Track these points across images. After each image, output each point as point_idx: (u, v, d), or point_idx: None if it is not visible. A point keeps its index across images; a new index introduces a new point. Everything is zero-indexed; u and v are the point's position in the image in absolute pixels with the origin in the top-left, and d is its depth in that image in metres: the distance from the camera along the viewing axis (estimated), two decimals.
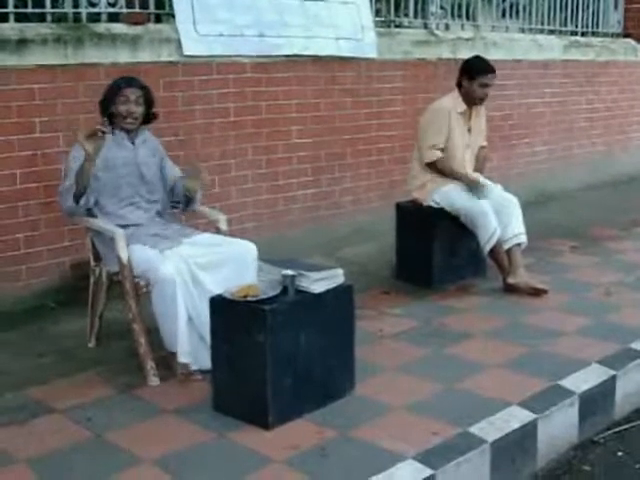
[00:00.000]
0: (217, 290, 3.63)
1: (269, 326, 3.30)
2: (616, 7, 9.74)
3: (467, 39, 7.47)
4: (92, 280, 4.33)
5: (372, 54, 6.58)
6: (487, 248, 5.24)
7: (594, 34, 9.39)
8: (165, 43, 5.33)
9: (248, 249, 4.00)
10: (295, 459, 3.13)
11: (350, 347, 3.71)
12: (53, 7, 5.05)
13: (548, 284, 5.27)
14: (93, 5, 5.19)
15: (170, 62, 5.34)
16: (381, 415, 3.51)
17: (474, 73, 5.35)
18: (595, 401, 3.83)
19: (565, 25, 8.99)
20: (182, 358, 3.85)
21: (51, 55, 4.82)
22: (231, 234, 4.36)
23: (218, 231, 4.34)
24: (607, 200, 8.43)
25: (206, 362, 3.72)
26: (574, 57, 8.78)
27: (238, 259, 3.95)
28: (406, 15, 7.21)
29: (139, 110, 4.17)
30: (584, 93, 9.00)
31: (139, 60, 5.14)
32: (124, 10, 5.30)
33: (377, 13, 6.97)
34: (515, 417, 3.48)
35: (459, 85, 5.45)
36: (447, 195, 5.36)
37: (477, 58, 5.53)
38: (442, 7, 7.54)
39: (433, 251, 5.41)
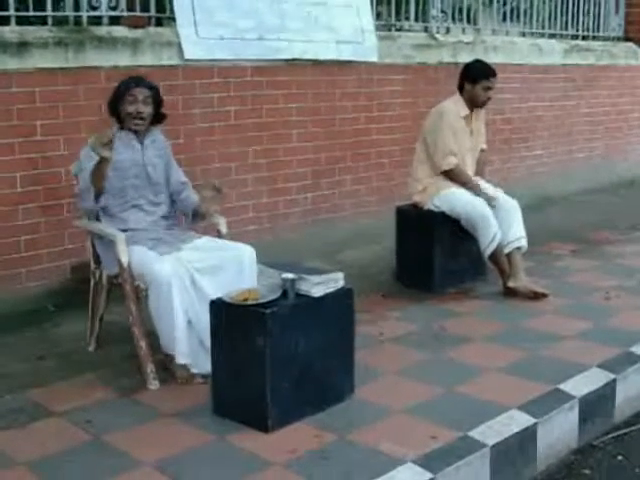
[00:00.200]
0: (216, 295, 3.61)
1: (269, 329, 3.30)
2: (617, 11, 9.75)
3: (468, 43, 7.48)
4: (92, 283, 4.33)
5: (373, 58, 6.59)
6: (488, 252, 5.24)
7: (595, 38, 9.40)
8: (166, 46, 5.34)
9: (247, 253, 3.99)
10: (294, 462, 3.13)
11: (350, 350, 3.70)
12: (54, 10, 5.07)
13: (548, 288, 5.27)
14: (94, 8, 5.20)
15: (171, 65, 5.35)
16: (381, 418, 3.50)
17: (476, 77, 5.36)
18: (595, 405, 3.82)
19: (566, 29, 9.00)
20: (180, 359, 3.84)
21: (52, 58, 4.83)
22: (231, 237, 4.36)
23: (218, 234, 4.34)
24: (607, 204, 8.44)
25: (206, 366, 3.72)
26: (575, 61, 8.79)
27: (237, 263, 3.95)
28: (407, 19, 7.22)
29: (147, 110, 4.14)
30: (584, 97, 9.01)
31: (140, 63, 5.15)
32: (125, 13, 5.31)
33: (378, 17, 6.99)
34: (515, 421, 3.47)
35: (461, 89, 5.46)
36: (447, 199, 5.36)
37: (478, 62, 5.55)
38: (443, 11, 7.54)
39: (433, 255, 5.40)
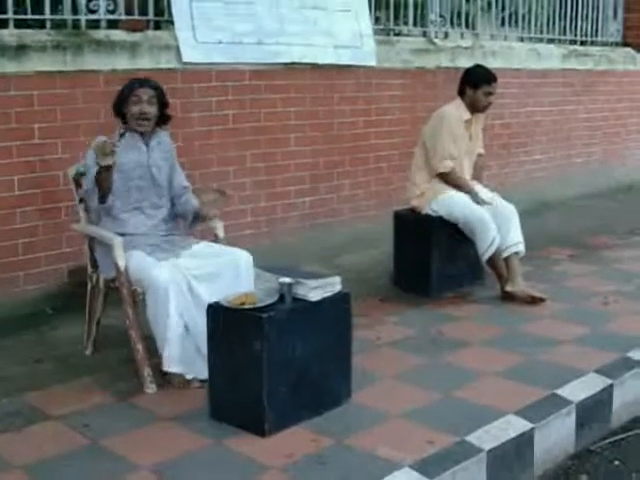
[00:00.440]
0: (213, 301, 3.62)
1: (266, 334, 3.30)
2: (615, 16, 9.75)
3: (466, 48, 7.49)
4: (89, 287, 4.33)
5: (371, 62, 6.59)
6: (486, 256, 5.24)
7: (593, 43, 9.41)
8: (164, 50, 5.34)
9: (243, 258, 3.99)
10: (291, 467, 3.13)
11: (347, 355, 3.70)
12: (52, 13, 5.06)
13: (546, 292, 5.27)
14: (92, 12, 5.20)
15: (169, 69, 5.35)
16: (378, 423, 3.50)
17: (478, 82, 5.36)
18: (592, 410, 3.82)
19: (564, 34, 9.00)
20: (171, 367, 3.82)
21: (50, 62, 4.83)
22: (229, 241, 4.36)
23: (215, 238, 4.34)
24: (605, 209, 8.44)
25: (203, 372, 3.72)
26: (573, 66, 8.79)
27: (233, 267, 3.94)
28: (405, 23, 7.22)
29: (152, 110, 4.13)
30: (583, 102, 9.01)
31: (138, 67, 5.14)
32: (123, 17, 5.31)
33: (376, 21, 6.98)
34: (512, 426, 3.47)
35: (461, 93, 5.46)
36: (445, 203, 5.36)
37: (479, 67, 5.55)
38: (441, 15, 7.54)
39: (431, 259, 5.40)
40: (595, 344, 4.46)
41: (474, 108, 5.45)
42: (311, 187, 6.36)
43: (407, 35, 7.20)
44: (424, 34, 7.34)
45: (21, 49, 4.71)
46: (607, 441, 3.85)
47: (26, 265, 4.87)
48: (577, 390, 3.85)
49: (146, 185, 4.18)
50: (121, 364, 4.14)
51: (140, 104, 4.09)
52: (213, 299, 3.61)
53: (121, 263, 3.93)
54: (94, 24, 5.23)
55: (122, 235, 4.04)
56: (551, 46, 8.67)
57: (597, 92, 9.20)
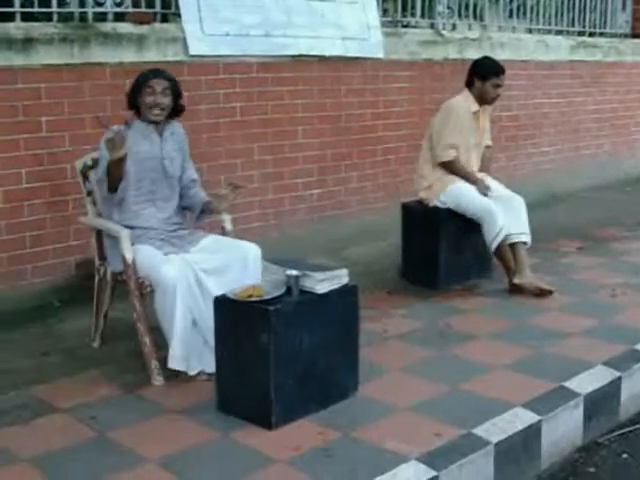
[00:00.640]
0: None
1: (273, 326, 3.30)
2: (624, 7, 9.71)
3: (474, 39, 7.46)
4: (97, 279, 4.33)
5: (379, 54, 6.58)
6: (493, 245, 5.22)
7: (602, 34, 9.38)
8: (171, 43, 5.34)
9: (252, 250, 3.99)
10: (298, 460, 3.13)
11: (354, 347, 3.70)
12: (59, 6, 5.06)
13: (554, 285, 5.26)
14: (99, 5, 5.20)
15: (176, 62, 5.33)
16: (385, 416, 3.50)
17: (486, 74, 5.35)
18: (600, 403, 3.81)
19: (572, 25, 8.97)
20: (170, 363, 3.81)
21: (57, 54, 4.83)
22: (237, 234, 4.36)
23: (223, 231, 4.34)
24: (613, 201, 8.42)
25: (210, 365, 3.73)
26: (581, 57, 8.76)
27: (241, 260, 3.95)
28: (413, 15, 7.21)
29: (165, 101, 4.10)
30: (591, 94, 8.98)
31: (145, 60, 5.13)
32: (130, 9, 5.31)
33: (384, 13, 6.98)
34: (519, 418, 3.47)
35: (469, 85, 5.45)
36: (454, 194, 5.35)
37: (488, 59, 5.53)
38: (449, 7, 7.53)
39: (439, 252, 5.39)
40: (603, 336, 4.45)
41: (482, 100, 5.44)
42: (319, 179, 6.36)
43: (415, 27, 7.19)
44: (432, 26, 7.32)
45: (28, 42, 4.71)
46: (615, 434, 3.84)
47: (34, 258, 4.88)
48: (585, 382, 3.84)
49: (159, 177, 4.17)
50: (128, 357, 4.15)
51: (154, 95, 4.06)
52: (221, 292, 3.61)
53: (128, 256, 3.93)
54: (101, 17, 5.23)
55: (132, 228, 4.04)
56: (559, 37, 8.64)
57: (606, 84, 9.16)
